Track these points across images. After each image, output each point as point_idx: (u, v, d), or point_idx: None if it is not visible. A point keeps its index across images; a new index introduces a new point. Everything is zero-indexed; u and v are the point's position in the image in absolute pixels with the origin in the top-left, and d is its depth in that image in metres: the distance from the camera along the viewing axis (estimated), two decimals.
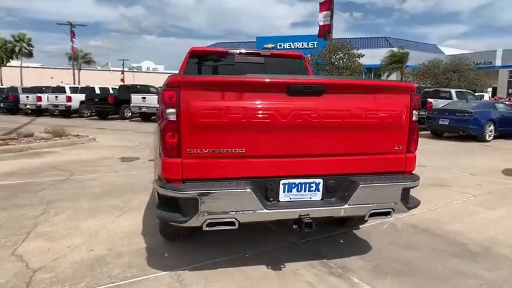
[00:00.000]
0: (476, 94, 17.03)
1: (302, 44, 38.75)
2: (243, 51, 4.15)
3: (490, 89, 31.18)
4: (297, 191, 2.37)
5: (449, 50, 42.62)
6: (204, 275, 2.56)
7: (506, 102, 14.72)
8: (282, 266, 2.70)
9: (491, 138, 10.69)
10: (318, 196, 2.41)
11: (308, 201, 2.39)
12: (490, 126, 10.65)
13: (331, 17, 17.80)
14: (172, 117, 2.14)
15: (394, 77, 30.25)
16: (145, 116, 16.82)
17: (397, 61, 29.32)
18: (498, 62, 36.26)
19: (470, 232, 3.43)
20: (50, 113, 18.99)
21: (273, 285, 2.45)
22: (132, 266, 2.66)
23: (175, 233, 2.95)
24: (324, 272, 2.64)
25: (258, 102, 2.21)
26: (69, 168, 6.06)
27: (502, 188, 5.11)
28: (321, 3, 17.74)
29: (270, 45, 40.44)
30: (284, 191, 2.35)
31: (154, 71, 61.58)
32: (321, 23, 18.05)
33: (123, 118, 17.30)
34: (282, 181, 2.33)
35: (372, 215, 2.44)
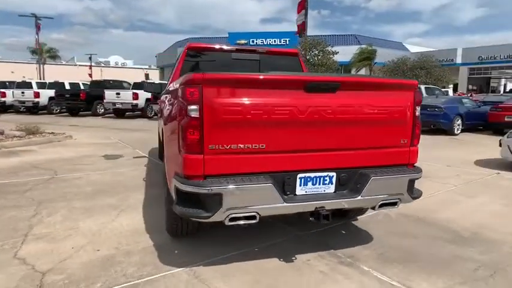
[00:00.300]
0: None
1: (274, 41, 38.91)
2: (240, 47, 4.16)
3: (451, 85, 32.93)
4: (312, 184, 2.45)
5: (413, 48, 44.44)
6: (219, 270, 2.59)
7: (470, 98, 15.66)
8: (293, 258, 2.78)
9: (459, 131, 11.35)
10: (331, 189, 2.51)
11: (322, 194, 2.47)
12: (458, 120, 11.30)
13: (306, 15, 18.05)
14: (195, 114, 2.14)
15: (363, 72, 31.18)
16: (120, 113, 16.37)
17: (366, 58, 30.23)
18: (459, 60, 38.35)
19: (458, 219, 3.67)
20: (15, 110, 17.97)
21: (289, 276, 2.52)
22: (145, 264, 2.64)
23: (183, 230, 2.95)
24: (335, 261, 2.75)
25: (278, 98, 2.26)
26: (51, 167, 5.81)
27: (478, 178, 5.48)
28: (299, 3, 17.97)
29: (242, 41, 40.13)
30: (300, 185, 2.42)
31: (123, 66, 59.70)
32: (299, 22, 18.28)
33: (96, 114, 16.69)
34: (299, 175, 2.40)
35: (381, 205, 2.57)
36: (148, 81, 14.82)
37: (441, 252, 2.95)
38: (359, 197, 2.45)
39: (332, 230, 3.36)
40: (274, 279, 2.48)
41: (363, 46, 31.10)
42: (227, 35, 41.31)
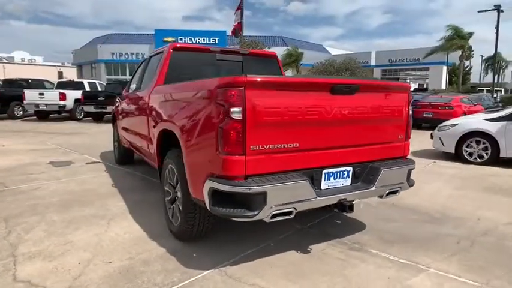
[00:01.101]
0: None
1: (204, 39, 38.63)
2: (224, 49, 4.19)
3: None
4: (334, 178, 2.66)
5: (333, 50, 48.11)
6: (247, 267, 2.65)
7: None
8: (308, 249, 2.97)
9: None
10: (348, 182, 2.75)
11: (342, 187, 2.70)
12: None
13: (242, 15, 18.35)
14: (238, 116, 2.18)
15: (289, 73, 32.78)
16: (43, 115, 14.74)
17: (294, 60, 31.84)
18: (372, 62, 42.62)
19: (424, 203, 4.24)
20: None
21: (314, 265, 2.70)
22: (171, 271, 2.57)
23: (197, 233, 2.92)
24: (345, 248, 3.00)
25: (309, 100, 2.42)
26: None
27: (422, 167, 6.31)
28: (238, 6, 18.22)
29: (170, 39, 39.16)
30: (325, 180, 2.61)
31: (31, 63, 53.22)
32: (235, 23, 18.50)
33: (13, 117, 14.75)
34: (324, 171, 2.59)
35: (388, 194, 2.90)
36: (112, 81, 13.65)
37: (424, 231, 3.41)
38: (373, 188, 2.74)
39: (327, 220, 3.63)
40: (302, 269, 2.63)
41: (289, 48, 32.70)
42: (153, 32, 39.72)
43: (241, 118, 2.19)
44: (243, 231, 3.27)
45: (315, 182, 2.55)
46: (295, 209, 2.40)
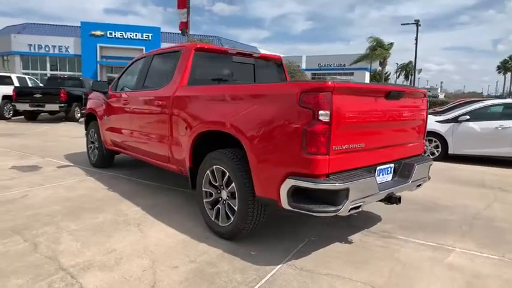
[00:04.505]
0: None
1: (136, 35, 36.83)
2: (240, 51, 4.25)
3: None
4: (382, 175, 2.98)
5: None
6: (311, 260, 2.81)
7: None
8: (350, 240, 3.25)
9: None
10: (390, 177, 3.09)
11: (388, 183, 3.03)
12: None
13: (188, 13, 17.99)
14: (326, 119, 2.35)
15: None
16: None
17: None
18: (303, 65, 45.07)
19: (416, 195, 4.78)
20: None
21: (367, 253, 2.97)
22: (243, 269, 2.63)
23: (249, 232, 3.00)
24: (378, 237, 3.35)
25: (373, 104, 2.69)
26: None
27: None
28: (178, 1, 17.70)
29: (98, 32, 36.47)
30: (377, 176, 2.91)
31: None
32: (180, 20, 18.00)
33: None
34: (378, 167, 2.89)
35: (416, 187, 3.31)
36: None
37: (429, 218, 3.94)
38: (410, 182, 3.12)
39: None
40: (359, 257, 2.89)
41: None
42: (77, 24, 36.55)
43: (328, 121, 2.36)
44: (279, 229, 3.42)
45: None
46: (364, 203, 2.65)
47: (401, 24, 25.27)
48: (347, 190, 2.44)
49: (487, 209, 4.32)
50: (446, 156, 7.50)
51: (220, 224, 3.13)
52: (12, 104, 12.55)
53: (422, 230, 3.56)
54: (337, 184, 2.39)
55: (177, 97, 3.67)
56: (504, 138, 6.90)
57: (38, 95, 12.24)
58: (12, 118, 13.55)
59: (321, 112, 2.35)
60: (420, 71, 55.33)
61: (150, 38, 37.25)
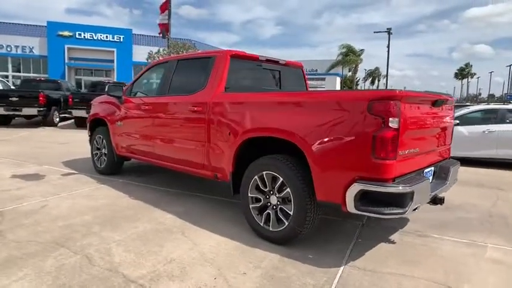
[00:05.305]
0: None
1: (106, 36, 35.73)
2: (269, 58, 4.31)
3: None
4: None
5: None
6: (369, 260, 2.92)
7: None
8: (393, 240, 3.40)
9: None
10: (431, 180, 3.29)
11: (431, 185, 3.22)
12: None
13: (169, 16, 17.77)
14: (395, 125, 2.48)
15: None
16: None
17: None
18: None
19: None
20: None
21: (414, 251, 3.13)
22: (310, 273, 2.69)
23: (304, 235, 3.07)
24: (415, 236, 3.53)
25: (425, 111, 2.88)
26: None
27: None
28: (162, 3, 17.45)
29: (66, 33, 34.94)
30: None
31: None
32: (161, 22, 17.72)
33: None
34: (425, 170, 3.07)
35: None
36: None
37: (451, 217, 4.19)
38: (447, 183, 3.34)
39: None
40: (410, 256, 3.04)
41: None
42: (43, 24, 34.84)
43: (397, 127, 2.50)
44: (320, 232, 3.50)
45: None
46: (420, 205, 2.81)
47: (374, 32, 26.41)
48: (412, 193, 2.58)
49: (495, 207, 4.66)
50: None
51: (271, 229, 3.17)
52: None
53: (449, 228, 3.79)
54: (406, 187, 2.53)
55: (216, 103, 3.67)
56: (490, 141, 7.44)
57: (14, 99, 11.55)
58: None
59: (391, 119, 2.47)
60: (386, 76, 58.07)
61: (121, 40, 36.24)
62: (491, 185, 5.98)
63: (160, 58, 18.87)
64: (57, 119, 12.92)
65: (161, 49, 19.80)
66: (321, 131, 2.77)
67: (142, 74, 5.10)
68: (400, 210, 2.58)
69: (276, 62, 4.43)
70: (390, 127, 2.48)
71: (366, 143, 2.54)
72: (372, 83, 65.97)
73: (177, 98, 4.24)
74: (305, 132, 2.85)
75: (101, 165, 5.72)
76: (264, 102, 3.32)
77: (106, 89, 5.13)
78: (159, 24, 18.24)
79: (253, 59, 4.15)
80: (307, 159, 2.85)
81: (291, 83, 4.70)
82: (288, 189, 3.00)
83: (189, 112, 3.98)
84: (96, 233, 3.31)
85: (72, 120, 13.61)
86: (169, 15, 17.93)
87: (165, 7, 17.82)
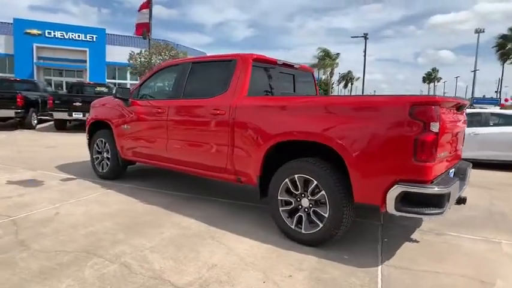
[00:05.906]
0: None
1: (78, 36, 34.44)
2: (286, 62, 4.35)
3: None
4: None
5: None
6: (401, 259, 3.02)
7: None
8: (416, 240, 3.54)
9: None
10: None
11: None
12: None
13: (150, 15, 17.43)
14: (435, 129, 2.60)
15: None
16: None
17: None
18: None
19: None
20: None
21: (437, 249, 3.27)
22: (353, 273, 2.75)
23: (334, 237, 3.13)
24: (433, 234, 3.69)
25: (453, 115, 3.04)
26: None
27: None
28: (143, 2, 17.07)
29: (35, 31, 33.32)
30: None
31: None
32: (140, 21, 17.32)
33: None
34: (449, 171, 3.23)
35: None
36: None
37: (458, 216, 4.37)
38: (466, 183, 3.52)
39: (384, 216, 4.26)
40: (436, 253, 3.17)
41: (181, 54, 32.42)
42: (9, 21, 33.02)
43: (437, 131, 2.62)
44: (347, 233, 3.58)
45: None
46: (452, 205, 2.96)
47: (352, 37, 27.25)
48: (449, 194, 2.71)
49: (493, 206, 4.95)
50: None
51: (303, 231, 3.21)
52: None
53: (461, 226, 3.98)
54: (444, 188, 2.66)
55: (241, 106, 3.67)
56: (475, 143, 7.88)
57: None
58: None
59: (432, 123, 2.59)
60: (357, 79, 59.98)
61: (94, 40, 35.03)
62: (482, 185, 6.32)
63: (142, 59, 18.48)
64: (35, 121, 12.32)
65: (143, 50, 19.33)
66: (360, 135, 2.84)
67: (150, 77, 4.99)
68: (439, 211, 2.70)
69: (291, 66, 4.49)
70: (431, 131, 2.60)
71: (407, 147, 2.64)
72: (345, 86, 67.68)
73: (194, 101, 4.19)
74: (343, 137, 2.92)
75: (102, 169, 5.53)
76: (297, 106, 3.35)
77: (114, 92, 4.98)
78: (137, 24, 17.83)
79: (272, 62, 4.18)
80: (344, 162, 2.92)
81: (303, 87, 4.77)
82: (323, 192, 3.06)
83: (209, 116, 3.95)
84: (123, 240, 3.21)
85: (51, 123, 13.03)
86: (150, 14, 17.58)
87: (146, 6, 17.44)
